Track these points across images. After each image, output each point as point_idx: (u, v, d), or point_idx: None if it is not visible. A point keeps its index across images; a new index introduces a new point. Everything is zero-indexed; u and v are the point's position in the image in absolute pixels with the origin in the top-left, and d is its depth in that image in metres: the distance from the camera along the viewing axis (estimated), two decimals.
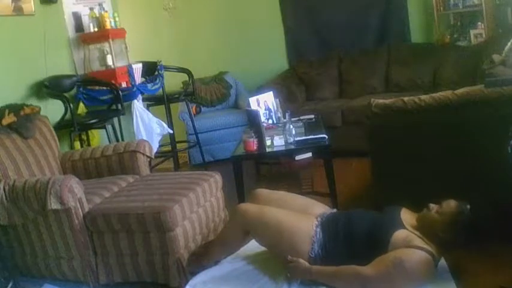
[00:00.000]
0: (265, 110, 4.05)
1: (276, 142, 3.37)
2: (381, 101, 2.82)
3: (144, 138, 4.07)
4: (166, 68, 4.66)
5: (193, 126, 4.87)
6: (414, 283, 2.12)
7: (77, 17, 4.29)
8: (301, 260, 2.29)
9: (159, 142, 4.48)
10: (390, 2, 5.26)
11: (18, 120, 3.09)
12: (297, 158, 3.44)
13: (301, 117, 4.05)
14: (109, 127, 4.00)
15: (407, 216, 2.32)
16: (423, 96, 2.71)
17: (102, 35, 4.21)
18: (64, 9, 4.15)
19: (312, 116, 4.12)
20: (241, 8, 5.76)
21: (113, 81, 4.06)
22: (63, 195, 2.52)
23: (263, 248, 2.54)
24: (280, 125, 3.88)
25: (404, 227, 2.22)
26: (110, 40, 4.17)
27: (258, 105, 4.02)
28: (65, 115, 3.77)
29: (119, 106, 4.02)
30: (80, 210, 2.64)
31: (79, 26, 4.30)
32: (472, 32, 4.92)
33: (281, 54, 5.80)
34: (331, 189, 3.29)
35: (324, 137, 3.34)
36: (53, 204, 2.52)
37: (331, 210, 2.61)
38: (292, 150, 3.36)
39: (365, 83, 5.11)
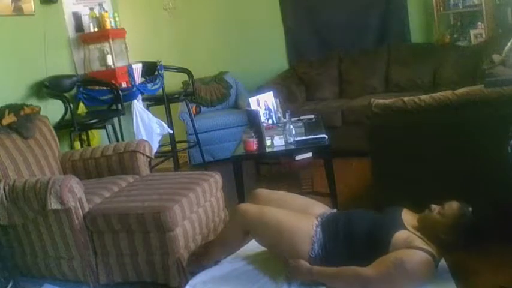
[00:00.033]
0: (265, 110, 4.05)
1: (276, 142, 3.37)
2: (381, 101, 2.82)
3: (144, 138, 4.07)
4: (166, 68, 4.65)
5: (193, 126, 4.87)
6: (415, 284, 2.12)
7: (77, 17, 4.29)
8: (302, 261, 2.29)
9: (159, 142, 4.48)
10: (390, 2, 5.26)
11: (18, 120, 3.09)
12: (297, 158, 3.45)
13: (301, 117, 4.05)
14: (109, 127, 4.00)
15: (408, 217, 2.31)
16: (423, 96, 2.71)
17: (102, 35, 4.21)
18: (64, 9, 4.14)
19: (312, 116, 4.12)
20: (241, 8, 5.76)
21: (113, 81, 4.06)
22: (63, 195, 2.52)
23: (263, 248, 2.54)
24: (280, 125, 3.88)
25: (405, 228, 2.22)
26: (110, 40, 4.17)
27: (258, 105, 4.02)
28: (65, 115, 3.77)
29: (119, 106, 4.02)
30: (80, 210, 2.64)
31: (79, 26, 4.30)
32: (472, 32, 4.92)
33: (281, 54, 5.79)
34: (331, 189, 3.29)
35: (324, 137, 3.34)
36: (53, 204, 2.52)
37: (331, 210, 2.61)
38: (292, 150, 3.36)
39: (365, 83, 5.11)
